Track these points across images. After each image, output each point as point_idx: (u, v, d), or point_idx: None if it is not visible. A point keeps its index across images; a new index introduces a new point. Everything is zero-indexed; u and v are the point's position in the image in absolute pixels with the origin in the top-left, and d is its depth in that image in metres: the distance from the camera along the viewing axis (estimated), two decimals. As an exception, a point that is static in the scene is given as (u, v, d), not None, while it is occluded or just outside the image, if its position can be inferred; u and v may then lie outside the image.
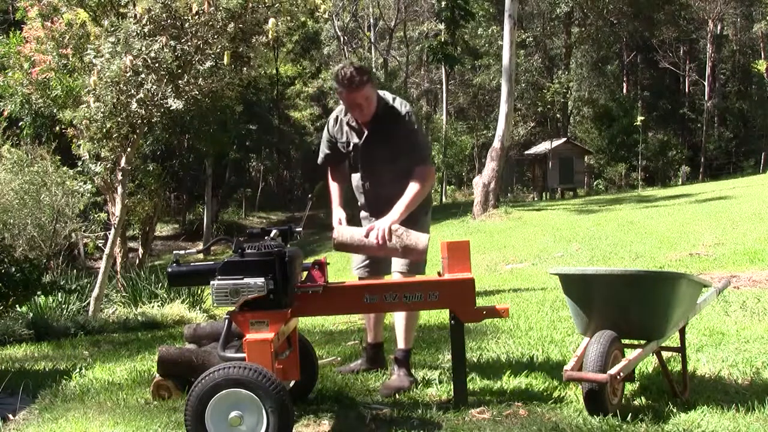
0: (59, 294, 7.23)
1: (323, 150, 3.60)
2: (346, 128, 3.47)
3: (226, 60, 7.30)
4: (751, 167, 32.69)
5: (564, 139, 31.23)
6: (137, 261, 14.79)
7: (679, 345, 3.14)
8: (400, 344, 3.45)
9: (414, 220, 3.32)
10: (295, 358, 2.99)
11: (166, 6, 7.18)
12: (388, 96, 3.42)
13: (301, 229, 3.07)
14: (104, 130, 7.60)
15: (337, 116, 3.52)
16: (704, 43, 36.63)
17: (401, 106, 3.39)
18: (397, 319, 3.46)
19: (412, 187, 3.29)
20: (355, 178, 3.57)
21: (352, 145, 3.46)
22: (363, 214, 3.64)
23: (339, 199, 3.54)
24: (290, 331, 2.96)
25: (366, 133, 3.39)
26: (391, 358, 3.55)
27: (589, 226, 14.02)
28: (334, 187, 3.61)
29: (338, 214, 3.42)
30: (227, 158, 29.30)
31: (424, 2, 34.25)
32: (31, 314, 6.76)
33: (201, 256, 14.03)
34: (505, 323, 4.75)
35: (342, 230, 3.18)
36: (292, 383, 3.09)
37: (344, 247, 3.18)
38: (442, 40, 26.95)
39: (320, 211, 32.21)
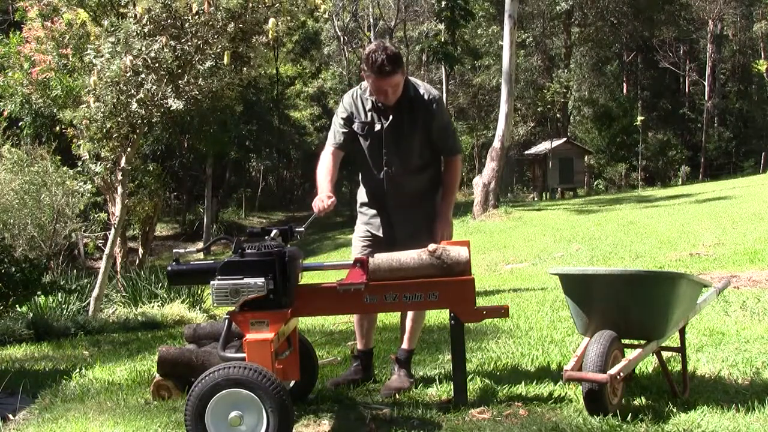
0: (59, 294, 7.23)
1: (338, 131, 3.35)
2: (369, 109, 3.30)
3: (226, 60, 7.30)
4: (751, 167, 32.70)
5: (564, 139, 31.23)
6: (137, 261, 14.79)
7: (679, 345, 3.14)
8: (404, 344, 3.44)
9: (433, 213, 3.37)
10: (295, 358, 2.99)
11: (166, 6, 7.18)
12: (416, 81, 3.32)
13: (302, 229, 3.07)
14: (104, 130, 7.60)
15: (357, 94, 3.34)
16: (704, 43, 36.64)
17: (431, 92, 3.30)
18: (406, 320, 3.46)
19: (451, 182, 3.33)
20: (369, 166, 3.37)
21: (375, 128, 3.29)
22: (368, 211, 3.45)
23: (331, 184, 3.26)
24: (290, 331, 2.95)
25: (392, 117, 3.25)
26: (392, 358, 3.54)
27: (589, 226, 14.02)
28: (328, 171, 3.28)
29: (327, 192, 3.18)
30: (227, 158, 29.32)
31: (424, 2, 34.24)
32: (31, 314, 6.76)
33: (201, 255, 14.03)
34: (505, 323, 4.74)
35: (376, 259, 2.95)
36: (292, 383, 3.09)
37: (380, 273, 2.91)
38: (442, 40, 26.94)
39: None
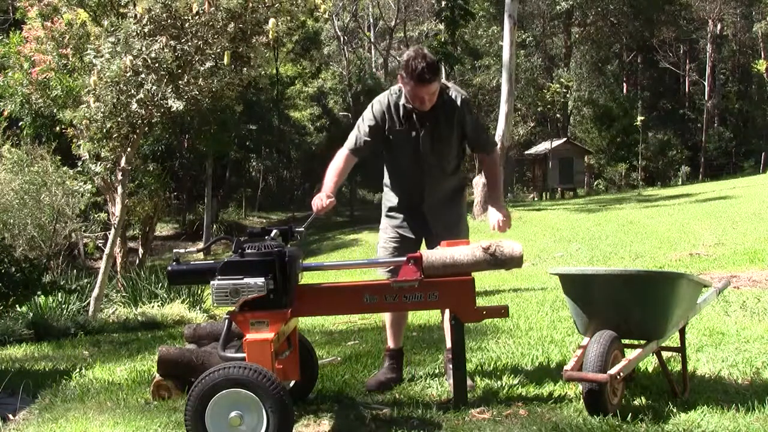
0: (59, 294, 7.23)
1: (360, 137, 3.32)
2: (403, 115, 3.28)
3: (226, 60, 7.30)
4: (751, 167, 32.70)
5: (564, 139, 31.24)
6: (137, 261, 14.78)
7: (679, 345, 3.14)
8: (449, 344, 3.42)
9: (463, 211, 3.51)
10: (295, 358, 2.99)
11: (166, 6, 7.18)
12: (444, 83, 3.31)
13: (302, 229, 3.07)
14: (104, 130, 7.60)
15: (390, 102, 3.31)
16: (704, 43, 36.65)
17: (460, 92, 3.32)
18: (444, 321, 3.48)
19: (499, 173, 3.46)
20: (403, 172, 3.40)
21: (411, 135, 3.28)
22: (398, 215, 3.43)
23: (335, 186, 3.27)
24: (290, 331, 2.95)
25: (429, 123, 3.26)
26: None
27: (589, 226, 14.03)
28: (336, 172, 3.30)
29: (328, 192, 3.20)
30: (227, 158, 29.29)
31: (424, 2, 34.23)
32: (31, 314, 6.75)
33: (201, 255, 14.03)
34: (505, 323, 4.74)
35: (428, 254, 2.92)
36: (292, 383, 3.09)
37: (433, 270, 2.87)
38: (442, 40, 26.93)
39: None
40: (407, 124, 3.29)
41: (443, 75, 3.25)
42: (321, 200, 3.16)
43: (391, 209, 3.49)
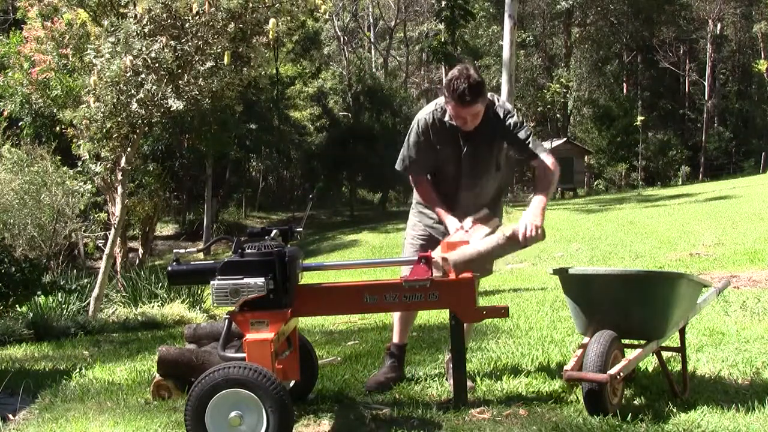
0: (59, 294, 7.24)
1: (415, 157, 3.28)
2: (449, 132, 3.21)
3: (226, 60, 7.31)
4: (751, 167, 32.73)
5: (564, 139, 31.29)
6: (137, 261, 14.79)
7: (679, 345, 3.14)
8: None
9: (500, 218, 3.43)
10: (295, 358, 2.99)
11: (166, 6, 7.18)
12: (491, 97, 3.22)
13: (301, 229, 3.07)
14: (104, 130, 7.60)
15: (435, 117, 3.24)
16: (704, 43, 36.69)
17: (506, 108, 3.23)
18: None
19: (547, 179, 3.26)
20: (442, 180, 3.35)
21: (455, 151, 3.23)
22: (433, 215, 3.37)
23: (444, 204, 3.25)
24: (290, 331, 2.95)
25: (473, 142, 3.20)
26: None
27: (589, 226, 14.03)
28: (433, 197, 3.29)
29: (454, 222, 3.15)
30: (227, 158, 29.29)
31: (424, 2, 34.24)
32: (31, 314, 6.75)
33: (201, 255, 14.03)
34: (505, 323, 4.74)
35: (452, 255, 2.88)
36: (292, 383, 3.09)
37: (463, 267, 2.87)
38: (442, 40, 26.93)
39: (321, 211, 32.20)
40: (451, 143, 3.24)
41: (487, 92, 3.09)
42: (461, 226, 3.11)
43: (427, 207, 3.43)
